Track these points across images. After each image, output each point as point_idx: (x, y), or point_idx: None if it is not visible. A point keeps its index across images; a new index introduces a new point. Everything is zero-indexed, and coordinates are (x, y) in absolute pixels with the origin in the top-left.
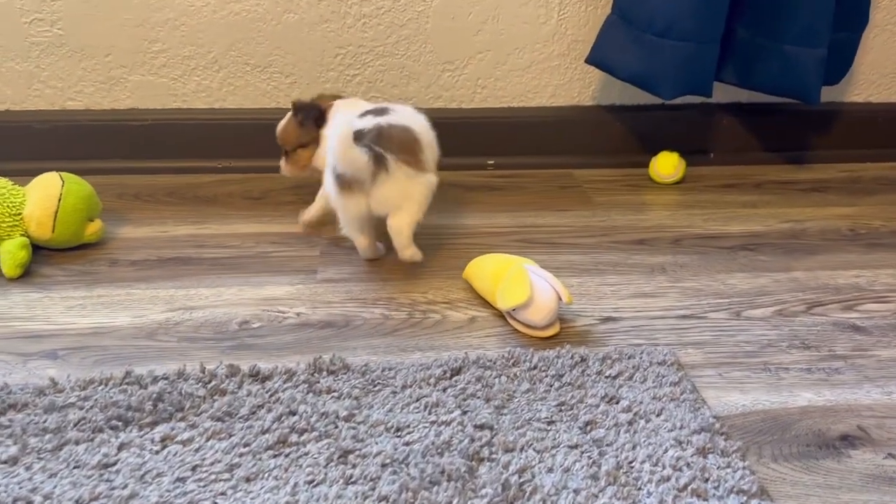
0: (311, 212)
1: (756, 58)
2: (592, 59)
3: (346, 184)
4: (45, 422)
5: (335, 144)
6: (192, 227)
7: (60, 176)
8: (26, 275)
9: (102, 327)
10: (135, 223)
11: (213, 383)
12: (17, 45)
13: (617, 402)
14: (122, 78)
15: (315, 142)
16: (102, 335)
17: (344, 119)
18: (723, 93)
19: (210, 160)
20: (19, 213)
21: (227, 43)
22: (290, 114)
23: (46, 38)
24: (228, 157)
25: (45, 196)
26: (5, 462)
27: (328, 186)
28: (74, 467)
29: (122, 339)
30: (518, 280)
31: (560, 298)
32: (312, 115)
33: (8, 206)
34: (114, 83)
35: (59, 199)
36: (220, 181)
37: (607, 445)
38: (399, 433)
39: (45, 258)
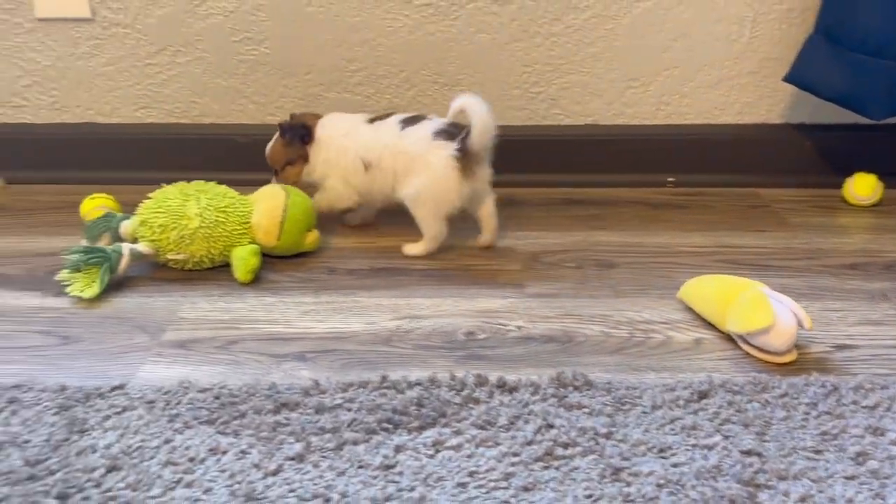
0: (357, 218)
1: None
2: (792, 78)
3: (468, 163)
4: (318, 421)
5: (483, 118)
6: (393, 239)
7: (284, 188)
8: (256, 280)
9: (340, 332)
10: (341, 234)
11: (466, 392)
12: (227, 63)
13: (883, 434)
14: (320, 95)
15: (302, 159)
16: (343, 340)
17: (346, 124)
18: None
19: None
20: (248, 222)
21: (419, 62)
22: (276, 135)
23: (253, 56)
24: None
25: (272, 207)
26: (293, 458)
27: (438, 172)
28: (359, 467)
29: (362, 344)
30: (758, 304)
31: (801, 324)
32: (299, 134)
33: (238, 216)
34: (311, 100)
35: (285, 210)
36: None
37: (885, 478)
38: (663, 454)
39: (269, 265)
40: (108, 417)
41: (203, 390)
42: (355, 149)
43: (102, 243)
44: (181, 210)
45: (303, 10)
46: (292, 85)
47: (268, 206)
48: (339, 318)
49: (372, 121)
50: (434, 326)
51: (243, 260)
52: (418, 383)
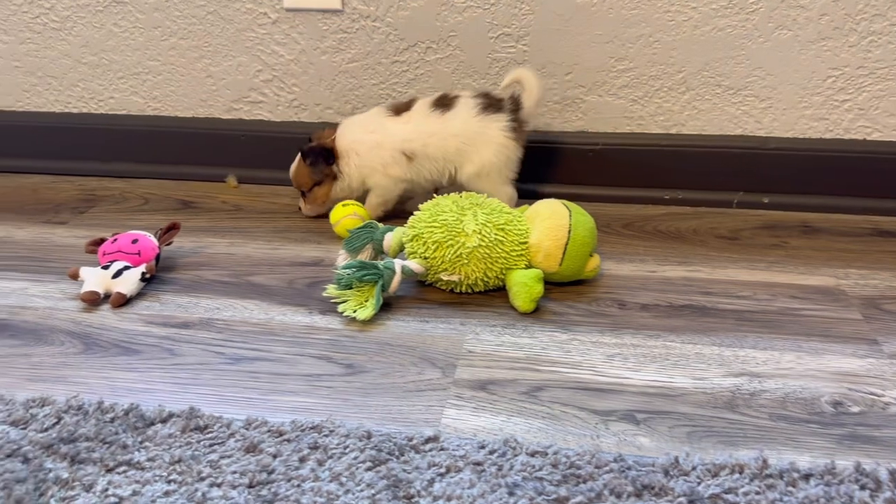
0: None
1: None
2: None
3: (520, 132)
4: None
5: (539, 90)
6: (680, 268)
7: (565, 205)
8: (536, 310)
9: (664, 387)
10: (613, 258)
11: (885, 494)
12: (479, 62)
13: None
14: (578, 98)
15: (330, 178)
16: (672, 398)
17: (369, 122)
18: None
19: (657, 190)
20: (525, 242)
21: (700, 62)
22: (298, 157)
23: (509, 54)
24: (678, 187)
25: (555, 226)
26: None
27: (497, 144)
28: None
29: (699, 406)
30: None
31: None
32: (322, 156)
33: (516, 235)
34: (568, 104)
35: (569, 231)
36: (673, 214)
37: None
38: None
39: (545, 293)
40: (432, 481)
41: (534, 453)
42: (390, 143)
43: (363, 256)
44: (458, 226)
45: (572, 3)
46: (549, 86)
47: (550, 225)
48: (655, 367)
49: (398, 111)
50: (784, 390)
51: (526, 286)
52: (810, 474)
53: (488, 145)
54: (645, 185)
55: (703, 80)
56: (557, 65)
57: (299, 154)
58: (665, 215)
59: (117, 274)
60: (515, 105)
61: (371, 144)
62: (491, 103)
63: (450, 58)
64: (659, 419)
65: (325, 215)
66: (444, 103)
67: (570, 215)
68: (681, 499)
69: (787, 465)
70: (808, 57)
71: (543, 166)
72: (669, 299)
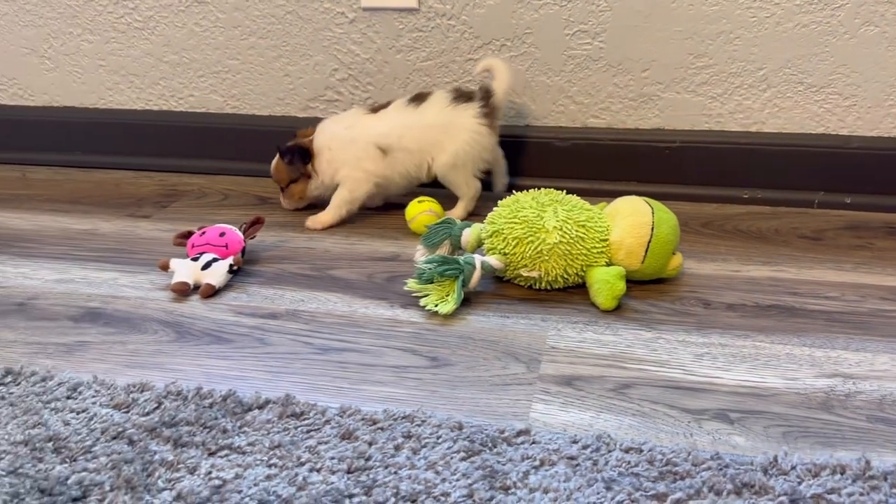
0: (325, 219)
1: None
2: None
3: (492, 119)
4: None
5: (510, 78)
6: (765, 268)
7: (647, 202)
8: (617, 308)
9: (756, 387)
10: (694, 257)
11: None
12: (554, 59)
13: None
14: (655, 95)
15: (305, 176)
16: (765, 398)
17: (346, 118)
18: None
19: (735, 188)
20: (606, 239)
21: (783, 59)
22: (278, 155)
23: (585, 51)
24: (757, 186)
25: (638, 224)
26: None
27: (471, 132)
28: None
29: (793, 406)
30: None
31: None
32: (298, 155)
33: (597, 232)
34: (644, 101)
35: (652, 228)
36: (752, 213)
37: None
38: None
39: (625, 291)
40: (528, 473)
41: (629, 450)
42: (365, 137)
43: (441, 252)
44: (539, 222)
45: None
46: (624, 83)
47: (632, 222)
48: (745, 367)
49: (375, 110)
50: (880, 392)
51: (609, 284)
52: None
53: (461, 132)
54: (723, 183)
55: (785, 78)
56: (634, 61)
57: (277, 153)
58: (744, 214)
59: (206, 266)
60: (486, 94)
61: (345, 139)
62: (462, 95)
63: (524, 55)
64: (753, 419)
65: (308, 207)
66: (418, 98)
67: (653, 212)
68: (782, 498)
69: (890, 467)
70: (895, 53)
71: (618, 164)
72: (756, 299)
